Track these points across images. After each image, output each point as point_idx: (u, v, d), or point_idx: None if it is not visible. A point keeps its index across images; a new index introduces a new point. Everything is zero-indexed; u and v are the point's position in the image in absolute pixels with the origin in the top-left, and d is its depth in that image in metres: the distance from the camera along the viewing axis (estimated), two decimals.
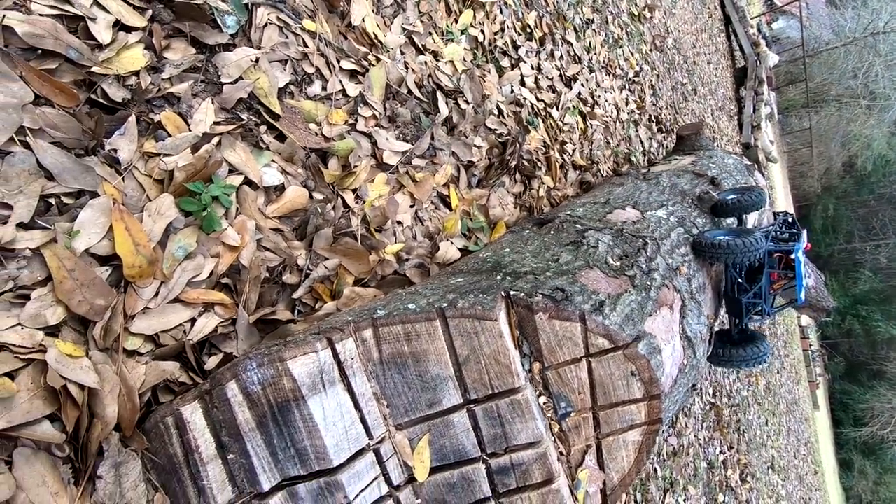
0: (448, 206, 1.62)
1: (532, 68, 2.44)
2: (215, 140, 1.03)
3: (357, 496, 0.83)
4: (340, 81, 1.36)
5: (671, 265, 1.48)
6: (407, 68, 1.61)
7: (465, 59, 1.92)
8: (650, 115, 4.19)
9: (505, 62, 2.24)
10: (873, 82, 21.90)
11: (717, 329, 1.90)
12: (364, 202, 1.32)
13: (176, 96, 1.01)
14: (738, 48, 9.94)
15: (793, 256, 1.71)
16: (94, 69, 0.87)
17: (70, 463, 0.71)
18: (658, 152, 4.12)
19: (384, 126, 1.47)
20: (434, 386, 0.94)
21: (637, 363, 1.11)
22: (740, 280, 1.67)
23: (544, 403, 1.09)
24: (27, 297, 0.74)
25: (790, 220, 1.99)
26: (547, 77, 2.57)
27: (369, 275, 1.25)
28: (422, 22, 1.77)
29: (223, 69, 1.10)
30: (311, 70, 1.30)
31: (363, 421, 0.86)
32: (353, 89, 1.39)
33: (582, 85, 2.95)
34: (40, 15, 0.83)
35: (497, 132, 1.88)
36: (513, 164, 1.88)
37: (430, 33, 1.79)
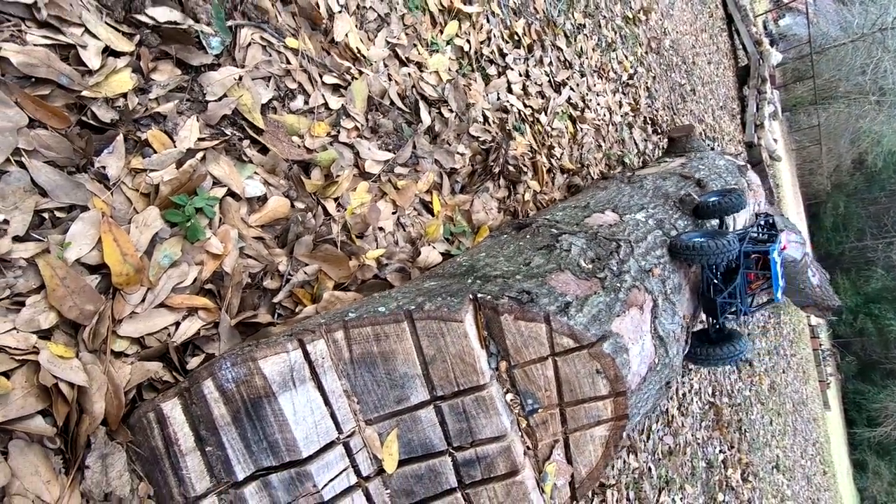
0: (430, 212, 1.68)
1: (520, 75, 2.50)
2: (200, 155, 1.11)
3: (326, 485, 0.89)
4: (323, 95, 1.44)
5: (644, 267, 1.53)
6: (390, 80, 1.68)
7: (450, 69, 1.99)
8: (645, 118, 4.23)
9: (492, 70, 2.30)
10: (882, 78, 21.68)
11: (698, 328, 1.95)
12: (345, 210, 1.39)
13: (162, 115, 1.08)
14: (740, 47, 9.93)
15: (770, 257, 1.75)
16: (85, 93, 0.95)
17: (61, 454, 0.78)
18: (653, 154, 4.16)
19: (366, 136, 1.54)
20: (402, 384, 1.01)
21: (602, 361, 1.17)
22: (716, 281, 1.72)
23: (511, 400, 1.15)
24: (22, 304, 0.81)
25: (770, 221, 2.03)
26: (536, 83, 2.63)
27: (349, 279, 1.31)
28: (406, 34, 1.83)
29: (208, 88, 1.18)
30: (293, 86, 1.37)
31: (333, 416, 0.93)
32: (335, 102, 1.46)
33: (572, 90, 3.00)
34: (35, 45, 0.91)
35: (480, 139, 1.95)
36: (496, 169, 1.94)
37: (415, 45, 1.86)
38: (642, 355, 1.37)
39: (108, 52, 1.02)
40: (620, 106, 3.79)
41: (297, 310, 1.19)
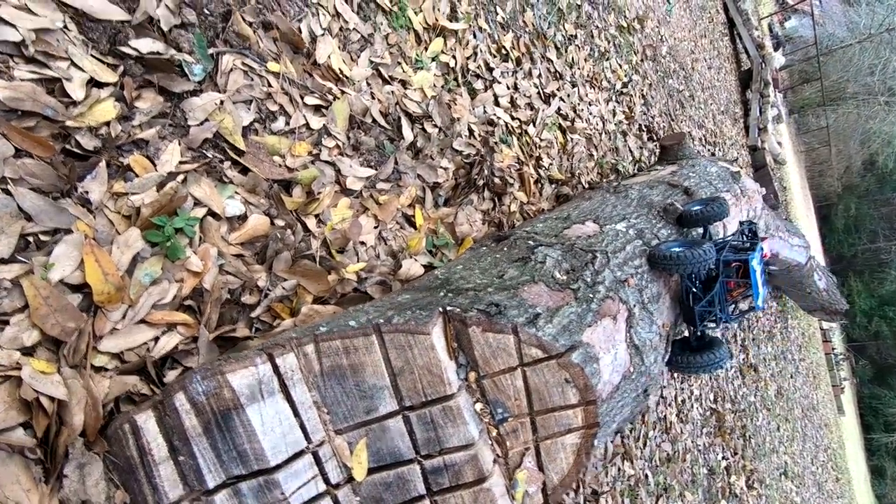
0: (413, 225, 1.73)
1: (508, 88, 2.55)
2: (181, 177, 1.17)
3: (294, 493, 0.93)
4: (304, 116, 1.49)
5: (619, 277, 1.57)
6: (373, 98, 1.74)
7: (434, 85, 2.04)
8: (640, 125, 4.25)
9: (478, 84, 2.36)
10: (891, 78, 21.49)
11: (680, 336, 1.97)
12: (325, 226, 1.44)
13: (145, 140, 1.14)
14: (743, 51, 9.92)
15: (750, 265, 1.78)
16: (69, 123, 1.01)
17: (41, 464, 0.84)
18: (649, 161, 4.18)
19: (348, 154, 1.59)
20: (371, 395, 1.05)
21: (571, 371, 1.21)
22: (694, 289, 1.75)
23: (481, 409, 1.19)
24: (6, 323, 0.87)
25: (753, 229, 2.05)
26: (524, 95, 2.68)
27: (329, 293, 1.36)
28: (390, 53, 1.89)
29: (190, 113, 1.24)
30: (274, 108, 1.43)
31: (302, 426, 0.97)
32: (316, 122, 1.52)
33: (562, 100, 3.05)
34: (21, 80, 0.97)
35: (464, 153, 2.00)
36: (480, 182, 1.99)
37: (399, 63, 1.92)
38: (615, 364, 1.40)
39: (93, 83, 1.08)
40: (614, 114, 3.83)
41: (275, 324, 1.24)
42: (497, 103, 2.43)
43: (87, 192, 1.02)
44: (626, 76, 4.23)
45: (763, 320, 6.99)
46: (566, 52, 3.32)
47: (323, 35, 1.62)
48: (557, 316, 1.29)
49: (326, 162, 1.52)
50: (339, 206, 1.51)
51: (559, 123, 2.95)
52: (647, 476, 3.11)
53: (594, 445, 1.28)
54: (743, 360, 5.67)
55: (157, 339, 1.04)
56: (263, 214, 1.31)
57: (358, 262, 1.51)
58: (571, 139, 3.01)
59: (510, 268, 1.44)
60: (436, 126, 1.94)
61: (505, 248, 1.58)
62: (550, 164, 2.69)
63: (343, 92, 1.62)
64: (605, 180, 3.31)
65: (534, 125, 2.66)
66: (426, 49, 2.10)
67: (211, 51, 1.30)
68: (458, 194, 1.94)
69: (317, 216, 1.45)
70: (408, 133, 1.79)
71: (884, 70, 21.43)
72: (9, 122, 0.94)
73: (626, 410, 1.52)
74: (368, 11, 1.83)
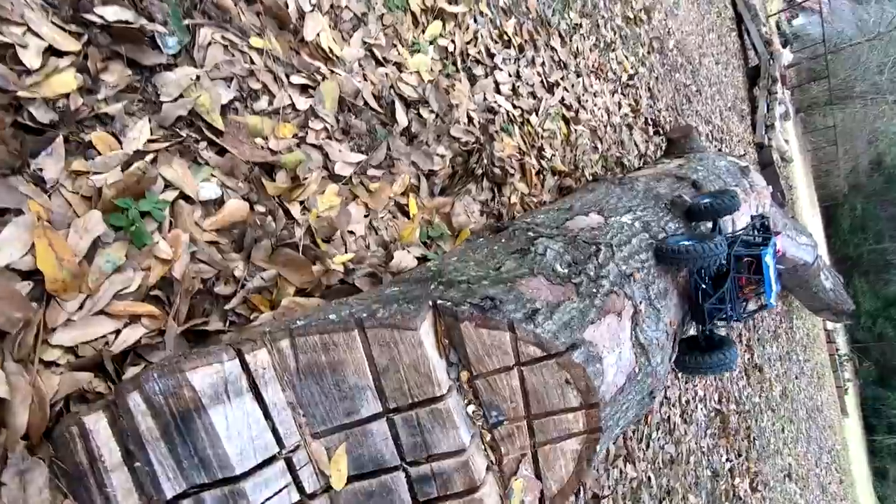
0: (406, 214, 1.64)
1: (509, 76, 2.45)
2: (150, 157, 1.07)
3: (263, 503, 0.84)
4: (290, 96, 1.40)
5: (625, 272, 1.47)
6: (365, 80, 1.64)
7: (432, 70, 1.94)
8: (646, 119, 4.14)
9: (479, 70, 2.26)
10: None
11: (688, 335, 1.87)
12: (310, 213, 1.34)
13: (110, 116, 1.05)
14: (751, 47, 9.76)
15: (763, 261, 1.68)
16: (21, 93, 0.92)
17: None
18: (655, 156, 4.07)
19: (337, 138, 1.50)
20: (352, 395, 0.96)
21: (572, 371, 1.11)
22: (703, 286, 1.65)
23: (474, 412, 1.09)
24: None
25: (765, 223, 1.95)
26: (527, 83, 2.58)
27: (313, 285, 1.27)
28: (385, 35, 1.79)
29: (162, 88, 1.14)
30: (257, 86, 1.33)
31: (274, 430, 0.88)
32: (303, 103, 1.42)
33: (566, 90, 2.94)
34: None
35: (462, 141, 1.90)
36: (479, 171, 1.89)
37: (395, 45, 1.82)
38: (619, 364, 1.31)
39: (52, 51, 0.99)
40: (620, 107, 3.72)
41: (252, 317, 1.15)
42: (498, 91, 2.33)
43: (41, 170, 0.93)
44: (632, 68, 4.11)
45: (768, 320, 6.87)
46: (571, 41, 3.22)
47: (312, 11, 1.52)
48: (558, 312, 1.19)
49: (313, 145, 1.43)
50: (326, 192, 1.41)
51: (563, 114, 2.85)
52: (649, 478, 3.01)
53: (596, 452, 1.18)
54: (748, 360, 5.56)
55: (118, 331, 0.95)
56: (242, 199, 1.22)
57: (346, 252, 1.41)
58: (575, 130, 2.91)
59: (508, 260, 1.34)
60: (432, 111, 1.84)
61: (503, 239, 1.48)
62: (553, 155, 2.58)
63: (332, 72, 1.53)
64: (609, 173, 3.20)
65: (536, 115, 2.56)
66: (423, 32, 2.00)
67: (187, 22, 1.21)
68: (455, 183, 1.84)
69: (301, 203, 1.35)
70: (402, 117, 1.69)
71: (892, 69, 21.17)
72: None
73: (631, 413, 1.42)
74: None
